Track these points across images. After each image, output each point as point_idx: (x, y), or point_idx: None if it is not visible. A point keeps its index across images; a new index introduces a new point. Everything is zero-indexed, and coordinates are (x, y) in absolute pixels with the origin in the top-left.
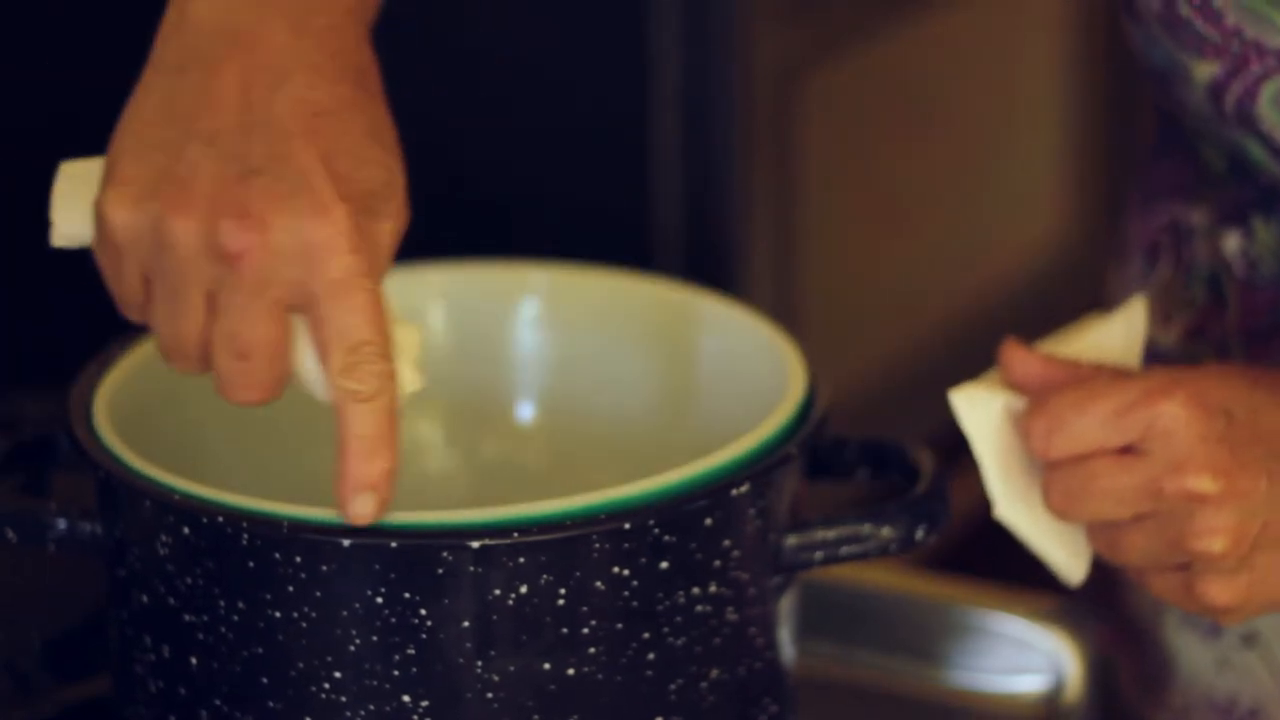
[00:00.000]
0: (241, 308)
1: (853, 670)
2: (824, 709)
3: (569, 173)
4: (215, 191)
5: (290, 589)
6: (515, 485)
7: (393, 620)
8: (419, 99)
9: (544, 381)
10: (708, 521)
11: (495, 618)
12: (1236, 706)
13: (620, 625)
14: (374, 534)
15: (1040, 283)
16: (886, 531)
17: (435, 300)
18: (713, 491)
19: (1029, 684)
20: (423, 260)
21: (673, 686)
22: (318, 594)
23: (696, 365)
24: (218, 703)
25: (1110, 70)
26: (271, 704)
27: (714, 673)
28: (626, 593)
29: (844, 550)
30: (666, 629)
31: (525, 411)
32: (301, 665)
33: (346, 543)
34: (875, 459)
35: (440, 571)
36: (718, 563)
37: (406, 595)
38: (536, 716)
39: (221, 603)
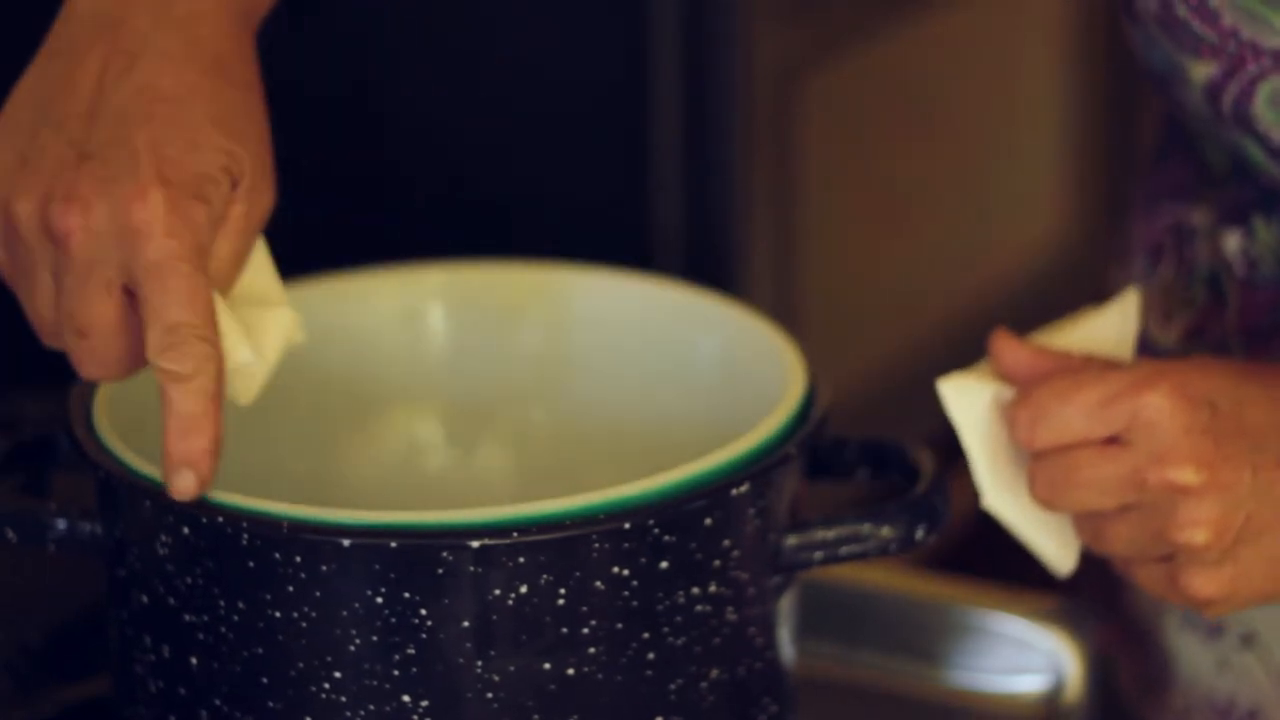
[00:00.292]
0: (74, 288)
1: (853, 670)
2: (824, 709)
3: (569, 173)
4: (53, 174)
5: (290, 589)
6: (515, 485)
7: (393, 620)
8: (419, 99)
9: (544, 381)
10: (708, 521)
11: (495, 618)
12: (1235, 708)
13: (620, 625)
14: (374, 534)
15: (1040, 283)
16: (886, 531)
17: (435, 300)
18: (713, 491)
19: (1029, 684)
20: (423, 260)
21: (673, 686)
22: (318, 594)
23: (696, 365)
24: (218, 703)
25: (1110, 70)
26: (271, 704)
27: (714, 673)
28: (626, 593)
29: (844, 550)
30: (666, 629)
31: (525, 411)
32: (301, 665)
33: (346, 543)
34: (875, 459)
35: (440, 571)
36: (718, 563)
37: (406, 595)
38: (536, 716)
39: (221, 603)
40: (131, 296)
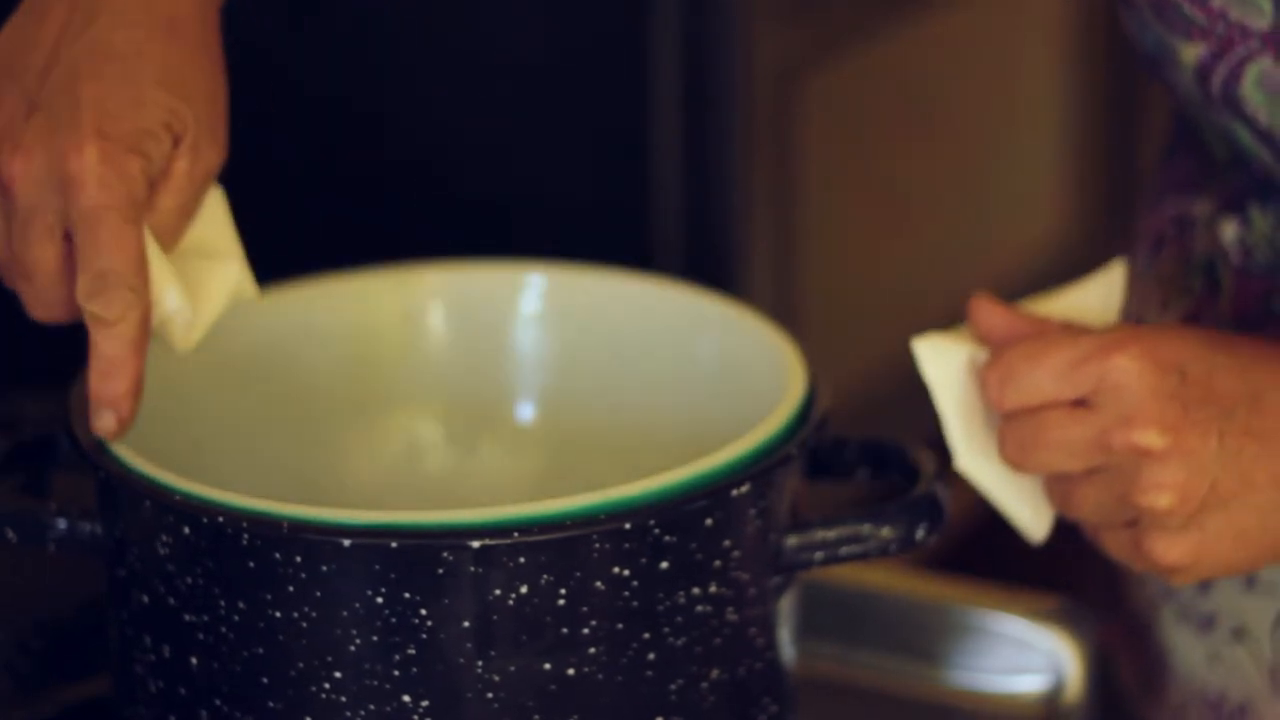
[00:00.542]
0: (19, 232)
1: (853, 670)
2: (824, 709)
3: (569, 173)
4: (5, 124)
5: (290, 589)
6: (515, 485)
7: (393, 620)
8: (419, 99)
9: (544, 381)
10: (708, 521)
11: (495, 618)
12: (1226, 701)
13: (620, 625)
14: (374, 534)
15: (1040, 283)
16: (886, 531)
17: (435, 300)
18: (713, 491)
19: (1029, 684)
20: (423, 260)
21: (673, 686)
22: (318, 594)
23: (696, 365)
24: (218, 703)
25: (1110, 70)
26: (271, 704)
27: (714, 673)
28: (626, 593)
29: (844, 550)
30: (666, 629)
31: (525, 411)
32: (301, 665)
33: (346, 543)
34: (875, 459)
35: (440, 571)
36: (718, 563)
37: (406, 595)
38: (536, 716)
39: (221, 603)
40: (71, 243)
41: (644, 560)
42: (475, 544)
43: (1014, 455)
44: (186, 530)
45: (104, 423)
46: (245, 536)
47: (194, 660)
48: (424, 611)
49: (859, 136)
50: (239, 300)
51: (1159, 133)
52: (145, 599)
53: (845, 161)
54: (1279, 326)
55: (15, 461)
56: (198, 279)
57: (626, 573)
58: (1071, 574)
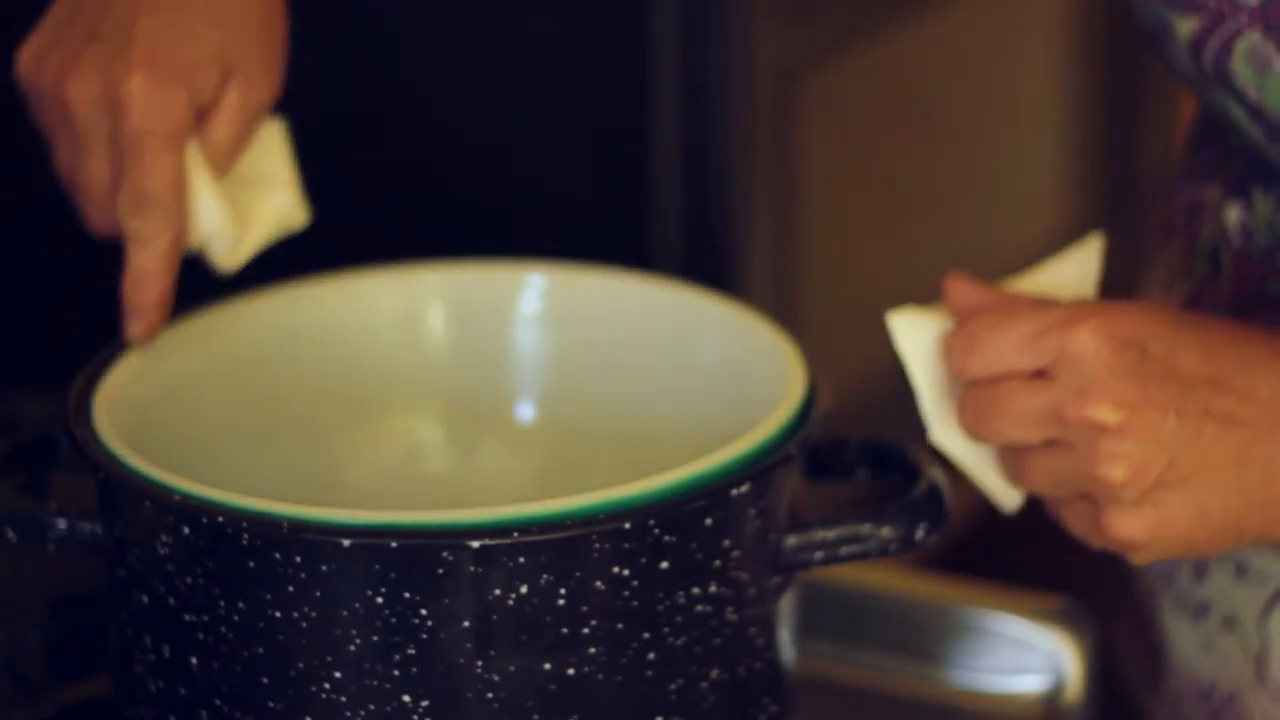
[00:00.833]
0: (78, 149)
1: (853, 670)
2: (824, 709)
3: (569, 173)
4: (70, 52)
5: (290, 589)
6: (515, 485)
7: (393, 620)
8: (419, 99)
9: (544, 381)
10: (708, 521)
11: (495, 618)
12: (1217, 691)
13: (620, 625)
14: (374, 534)
15: None
16: (886, 531)
17: (435, 300)
18: (713, 491)
19: (1029, 684)
20: (423, 260)
21: (673, 686)
22: (318, 594)
23: (696, 365)
24: (218, 703)
25: (1110, 70)
26: (271, 704)
27: (714, 673)
28: (626, 593)
29: (844, 550)
30: (666, 629)
31: (525, 411)
32: (301, 665)
33: (346, 543)
34: (875, 459)
35: (440, 571)
36: (718, 563)
37: (406, 595)
38: (536, 716)
39: (221, 603)
40: None
41: (644, 560)
42: (475, 544)
43: (972, 424)
44: (186, 530)
45: (135, 329)
46: (245, 536)
47: (194, 660)
48: (424, 611)
49: (859, 136)
50: (288, 228)
51: (1159, 132)
52: (145, 599)
53: (845, 161)
54: (1274, 310)
55: (15, 461)
56: (248, 205)
57: (626, 573)
58: (1071, 574)
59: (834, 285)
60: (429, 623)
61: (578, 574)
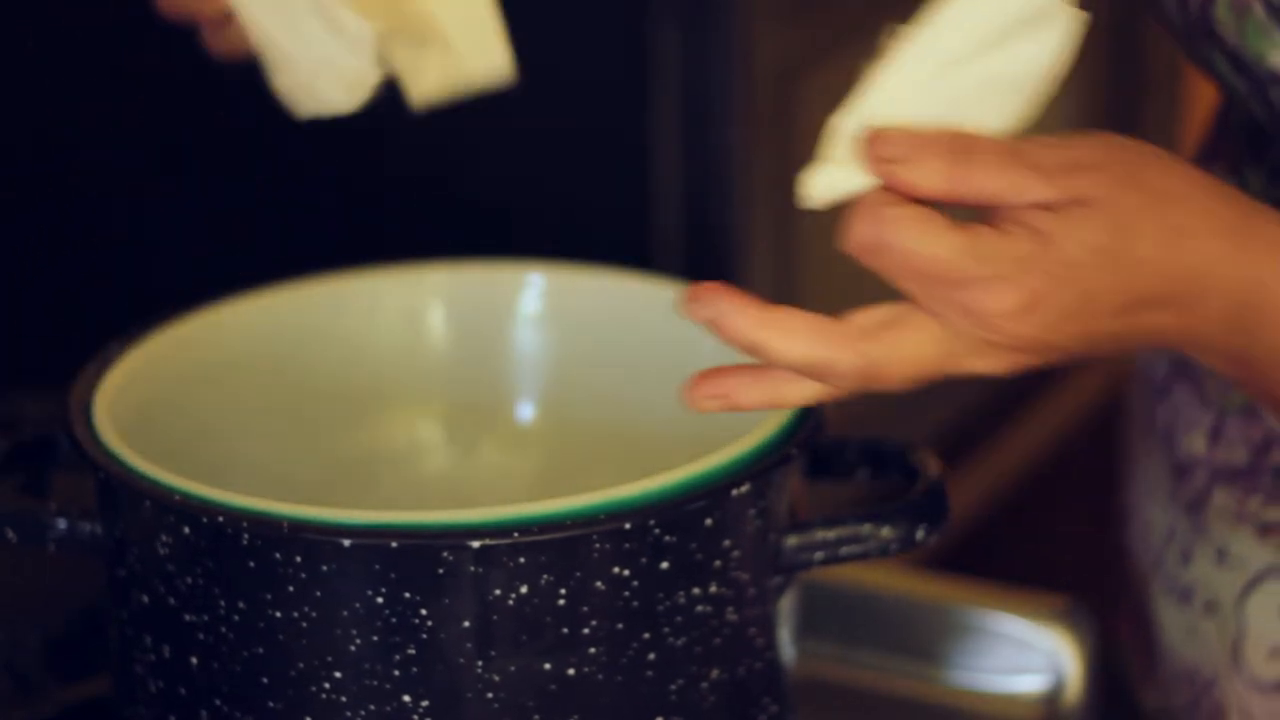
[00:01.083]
0: None
1: (853, 670)
2: (824, 709)
3: (569, 173)
4: None
5: (290, 589)
6: (515, 485)
7: (393, 620)
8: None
9: (544, 381)
10: (708, 521)
11: (495, 618)
12: (1199, 676)
13: (620, 625)
14: (374, 534)
15: None
16: (886, 531)
17: (435, 300)
18: (713, 491)
19: (1029, 684)
20: (423, 260)
21: (673, 686)
22: (318, 594)
23: (696, 365)
24: (218, 703)
25: (1110, 70)
26: (271, 704)
27: (714, 673)
28: (626, 593)
29: (844, 550)
30: (666, 629)
31: (525, 411)
32: (301, 665)
33: (346, 543)
34: (875, 459)
35: (440, 571)
36: (718, 563)
37: (406, 595)
38: (536, 716)
39: (221, 603)
40: None
41: (644, 560)
42: (475, 544)
43: (868, 234)
44: (186, 530)
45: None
46: (245, 536)
47: (194, 660)
48: (424, 611)
49: None
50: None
51: (1161, 126)
52: (145, 599)
53: None
54: None
55: (15, 461)
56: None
57: (626, 573)
58: (1071, 574)
59: (834, 285)
60: (429, 623)
61: (578, 574)
